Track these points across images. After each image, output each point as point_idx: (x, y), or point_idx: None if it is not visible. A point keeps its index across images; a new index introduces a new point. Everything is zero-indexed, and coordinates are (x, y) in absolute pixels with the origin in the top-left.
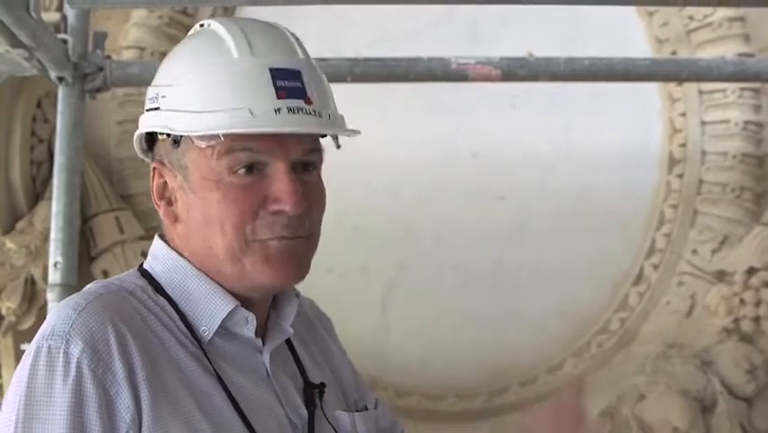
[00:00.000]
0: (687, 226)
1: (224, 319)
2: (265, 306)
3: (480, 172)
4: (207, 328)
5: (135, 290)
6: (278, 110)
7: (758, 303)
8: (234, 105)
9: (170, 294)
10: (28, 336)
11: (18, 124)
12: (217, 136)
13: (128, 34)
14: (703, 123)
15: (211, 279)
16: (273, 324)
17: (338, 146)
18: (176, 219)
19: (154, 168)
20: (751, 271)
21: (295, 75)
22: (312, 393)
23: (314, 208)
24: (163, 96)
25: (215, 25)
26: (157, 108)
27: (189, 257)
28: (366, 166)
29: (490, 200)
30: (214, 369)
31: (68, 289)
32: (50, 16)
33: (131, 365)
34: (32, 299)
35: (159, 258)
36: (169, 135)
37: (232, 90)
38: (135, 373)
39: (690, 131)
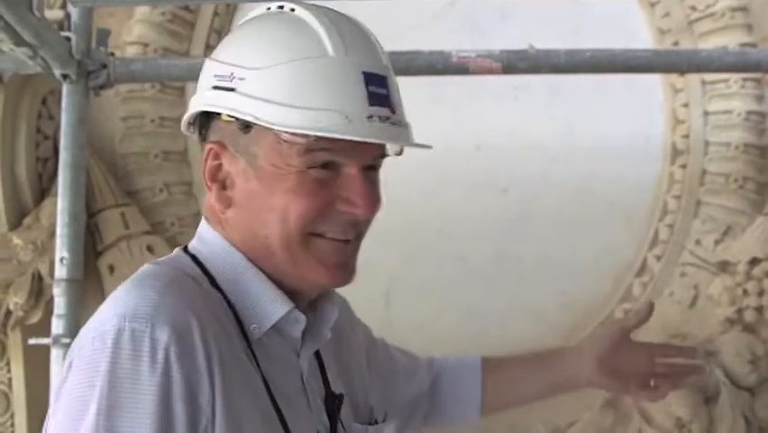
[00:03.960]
0: (690, 217)
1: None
2: (305, 304)
3: (482, 165)
4: (258, 327)
5: (196, 277)
6: (370, 117)
7: (761, 293)
8: (329, 105)
9: (223, 286)
10: (35, 331)
11: (23, 121)
12: (304, 135)
13: (131, 31)
14: (706, 113)
15: (263, 272)
16: (312, 326)
17: (400, 154)
18: (229, 204)
19: (210, 149)
20: (754, 262)
21: (382, 81)
22: (334, 404)
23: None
24: (242, 79)
25: (303, 12)
26: (231, 89)
27: (238, 243)
28: None
29: (493, 193)
30: (260, 368)
31: (75, 284)
32: (54, 14)
33: (209, 356)
34: (39, 294)
35: (209, 244)
36: (236, 120)
37: (327, 89)
38: (213, 364)
39: (692, 121)
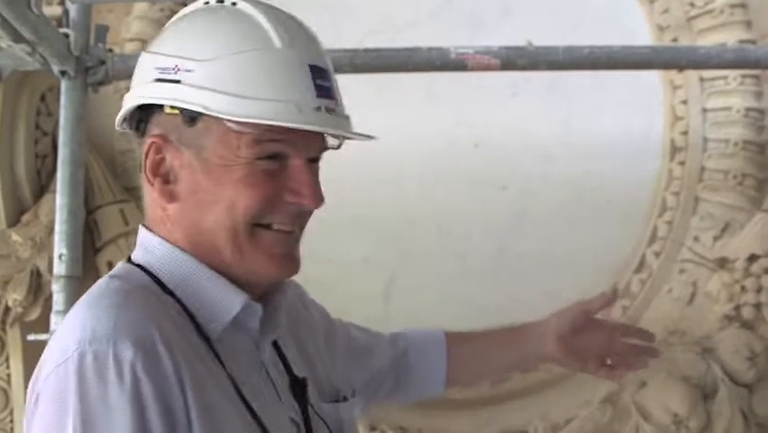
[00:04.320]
0: (689, 214)
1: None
2: (257, 296)
3: (481, 162)
4: (217, 324)
5: (148, 286)
6: (318, 108)
7: (759, 290)
8: (279, 96)
9: (175, 291)
10: (34, 327)
11: (22, 118)
12: (255, 125)
13: (130, 27)
14: (704, 110)
15: (212, 269)
16: (266, 316)
17: (338, 147)
18: (173, 198)
19: (152, 143)
20: (752, 259)
21: (326, 74)
22: (302, 389)
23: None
24: (188, 70)
25: (245, 6)
26: (176, 81)
27: (182, 241)
28: (367, 157)
29: (492, 190)
30: (224, 366)
31: (74, 280)
32: (52, 10)
33: (176, 363)
34: (38, 290)
35: (153, 251)
36: (181, 111)
37: (276, 80)
38: (180, 371)
39: (691, 118)
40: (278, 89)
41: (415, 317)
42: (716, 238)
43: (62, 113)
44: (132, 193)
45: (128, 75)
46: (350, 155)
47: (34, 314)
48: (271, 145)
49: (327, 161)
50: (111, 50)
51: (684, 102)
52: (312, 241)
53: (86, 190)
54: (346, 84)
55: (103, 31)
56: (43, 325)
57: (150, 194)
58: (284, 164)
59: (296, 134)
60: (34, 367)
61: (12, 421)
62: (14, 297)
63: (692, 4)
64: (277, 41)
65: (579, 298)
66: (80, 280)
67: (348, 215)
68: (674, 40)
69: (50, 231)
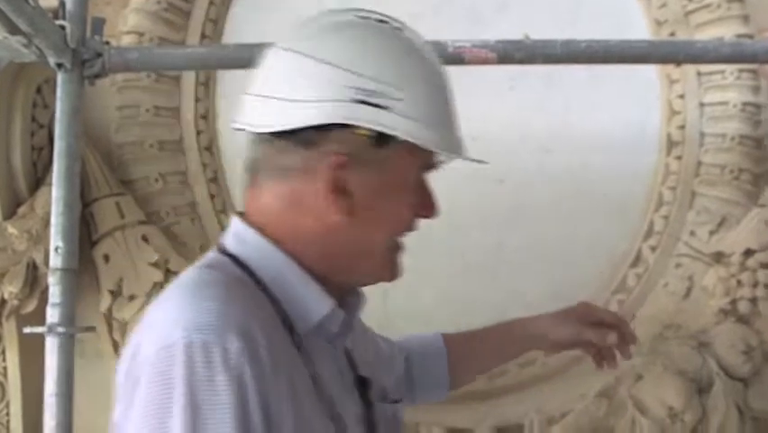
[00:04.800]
0: (685, 208)
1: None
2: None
3: (479, 155)
4: (303, 324)
5: (242, 280)
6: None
7: (755, 284)
8: (455, 127)
9: (268, 286)
10: (30, 320)
11: (18, 110)
12: (431, 152)
13: (127, 20)
14: (701, 104)
15: (304, 271)
16: (343, 320)
17: None
18: (344, 213)
19: (338, 159)
20: (748, 253)
21: None
22: (367, 388)
23: None
24: (397, 99)
25: (414, 36)
26: (383, 107)
27: (297, 248)
28: None
29: (490, 184)
30: (308, 362)
31: (70, 273)
32: (48, 2)
33: (273, 358)
34: (34, 283)
35: (249, 244)
36: (371, 133)
37: (451, 112)
38: (278, 366)
39: (688, 112)
40: (453, 120)
41: (414, 315)
42: (712, 233)
43: (58, 105)
44: (129, 186)
45: (125, 68)
46: None
47: (30, 307)
48: (428, 169)
49: None
50: (108, 43)
51: (681, 96)
52: None
53: (82, 183)
54: None
55: (99, 23)
56: (39, 317)
57: (304, 200)
58: (420, 182)
59: (436, 158)
60: (30, 360)
61: (8, 414)
62: (10, 289)
63: None
64: (441, 76)
65: (576, 292)
66: (76, 272)
67: None
68: (672, 34)
69: (46, 223)
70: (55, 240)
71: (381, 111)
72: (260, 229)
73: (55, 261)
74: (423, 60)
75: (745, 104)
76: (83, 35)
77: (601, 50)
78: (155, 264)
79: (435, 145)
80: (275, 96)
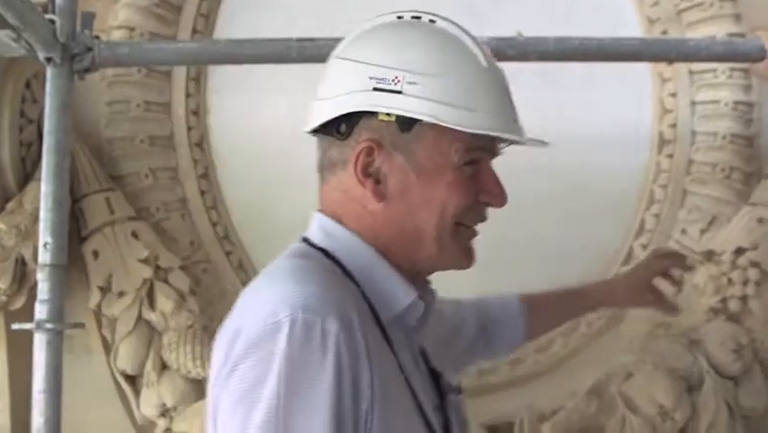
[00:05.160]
0: (676, 206)
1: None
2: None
3: None
4: (387, 314)
5: (334, 270)
6: (515, 121)
7: (745, 283)
8: (496, 110)
9: (356, 278)
10: (19, 316)
11: (7, 104)
12: (467, 134)
13: (117, 15)
14: (693, 103)
15: (390, 263)
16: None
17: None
18: (382, 198)
19: (366, 146)
20: (739, 251)
21: (510, 90)
22: (440, 380)
23: None
24: (411, 83)
25: (446, 25)
26: (397, 92)
27: (370, 237)
28: None
29: None
30: (393, 350)
31: (59, 269)
32: None
33: (367, 344)
34: (23, 279)
35: (338, 238)
36: (397, 119)
37: (492, 96)
38: (370, 352)
39: (680, 111)
40: (495, 104)
41: None
42: (703, 231)
43: (48, 100)
44: (119, 182)
45: (115, 62)
46: None
47: (19, 303)
48: (476, 152)
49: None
50: (98, 38)
51: (673, 95)
52: None
53: (71, 179)
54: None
55: (89, 18)
56: (28, 314)
57: (350, 190)
58: (477, 168)
59: (493, 142)
60: (19, 356)
61: None
62: None
63: None
64: (483, 61)
65: None
66: (65, 268)
67: None
68: (664, 32)
69: (35, 219)
70: (44, 236)
71: (395, 95)
72: (339, 223)
73: (44, 257)
74: (449, 45)
75: (736, 102)
76: (73, 30)
77: (594, 48)
78: (144, 260)
79: (460, 124)
80: (318, 97)
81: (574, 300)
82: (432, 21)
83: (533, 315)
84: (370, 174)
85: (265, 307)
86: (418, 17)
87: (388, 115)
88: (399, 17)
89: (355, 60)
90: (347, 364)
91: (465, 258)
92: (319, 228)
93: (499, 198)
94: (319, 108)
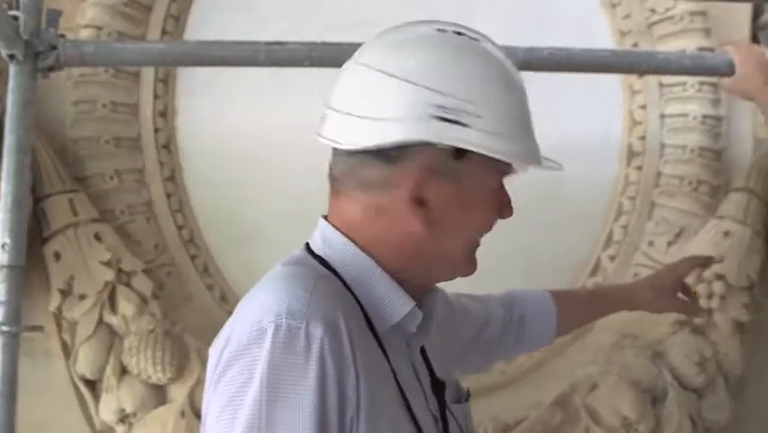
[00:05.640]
0: (644, 218)
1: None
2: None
3: None
4: (384, 323)
5: (329, 277)
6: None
7: (711, 296)
8: (531, 137)
9: (351, 286)
10: None
11: None
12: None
13: (85, 13)
14: (663, 116)
15: (386, 273)
16: (421, 321)
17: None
18: (427, 225)
19: (423, 175)
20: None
21: None
22: (442, 389)
23: None
24: (478, 117)
25: (493, 48)
26: (464, 125)
27: (385, 256)
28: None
29: None
30: (388, 360)
31: (17, 270)
32: None
33: (354, 349)
34: None
35: (338, 248)
36: (454, 148)
37: (528, 123)
38: (357, 359)
39: (649, 123)
40: (530, 130)
41: None
42: (670, 243)
43: (9, 98)
44: (83, 183)
45: (80, 61)
46: (318, 150)
47: None
48: (504, 175)
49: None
50: (63, 36)
51: (643, 107)
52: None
53: (34, 179)
54: (306, 78)
55: (55, 15)
56: None
57: (389, 213)
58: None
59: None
60: None
61: None
62: None
63: (653, 11)
64: (520, 87)
65: None
66: (24, 270)
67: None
68: (635, 45)
69: None
70: (2, 236)
71: (460, 127)
72: (346, 234)
73: (2, 257)
74: (501, 72)
75: (705, 116)
76: (37, 27)
77: (564, 59)
78: (107, 263)
79: (514, 158)
80: (359, 114)
81: (600, 301)
82: (475, 39)
83: (563, 312)
84: (420, 202)
85: (253, 313)
86: (461, 33)
87: (449, 146)
88: (440, 30)
89: (410, 82)
90: (331, 370)
91: (472, 267)
92: (321, 237)
93: (510, 210)
94: (364, 127)
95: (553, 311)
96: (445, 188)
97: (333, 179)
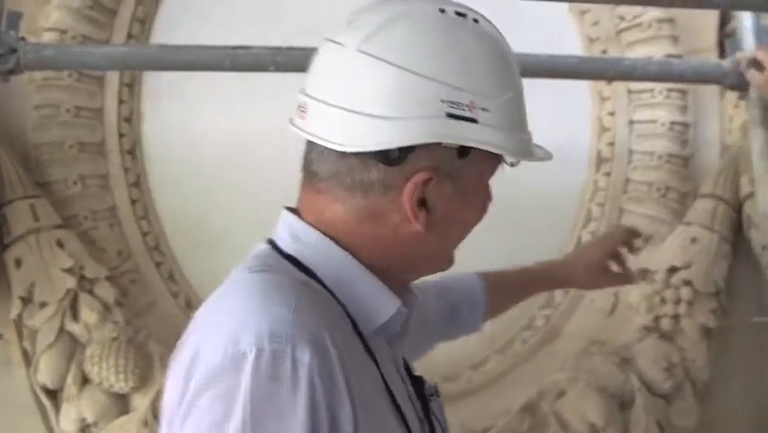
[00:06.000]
0: (613, 225)
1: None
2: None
3: None
4: (370, 325)
5: (308, 283)
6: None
7: (678, 301)
8: (527, 129)
9: (332, 288)
10: None
11: None
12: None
13: (49, 16)
14: (631, 122)
15: (369, 271)
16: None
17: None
18: (428, 227)
19: (427, 176)
20: (672, 270)
21: None
22: (422, 387)
23: None
24: (485, 110)
25: (493, 30)
26: (472, 120)
27: (371, 255)
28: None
29: None
30: (377, 365)
31: None
32: None
33: (346, 371)
34: None
35: (309, 244)
36: (459, 146)
37: (525, 113)
38: (350, 379)
39: (617, 129)
40: (527, 124)
41: None
42: (638, 249)
43: None
44: (46, 188)
45: (41, 65)
46: (289, 155)
47: None
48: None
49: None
50: (23, 39)
51: (612, 113)
52: None
53: None
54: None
55: (15, 17)
56: None
57: (384, 216)
58: None
59: None
60: None
61: None
62: None
63: (622, 18)
64: (518, 79)
65: None
66: None
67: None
68: (604, 51)
69: None
70: None
71: (469, 124)
72: (324, 231)
73: None
74: (504, 60)
75: (673, 123)
76: None
77: (532, 65)
78: (69, 270)
79: (520, 154)
80: (356, 110)
81: (532, 281)
82: (476, 21)
83: (491, 295)
84: (421, 204)
85: (226, 333)
86: (462, 14)
87: (454, 145)
88: (441, 10)
89: (420, 75)
90: (323, 400)
91: (452, 262)
92: (290, 234)
93: (490, 202)
94: (364, 127)
95: (482, 297)
96: (447, 189)
97: (311, 174)
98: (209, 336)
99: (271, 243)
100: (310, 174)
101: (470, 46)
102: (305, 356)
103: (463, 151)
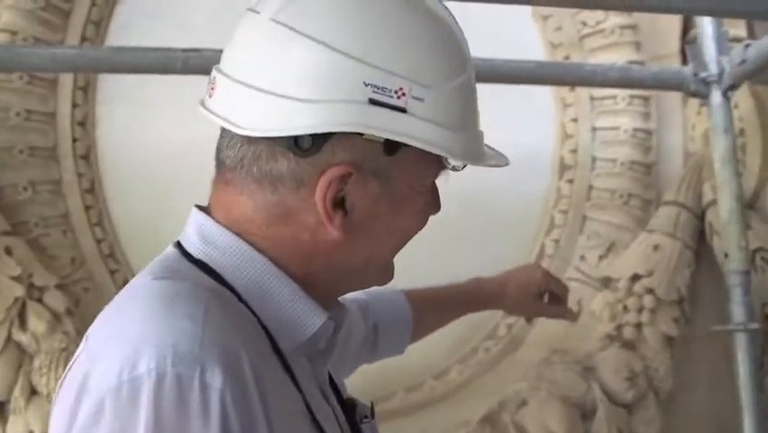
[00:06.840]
0: (576, 232)
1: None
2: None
3: None
4: (291, 341)
5: (219, 293)
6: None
7: (640, 310)
8: (476, 129)
9: (248, 300)
10: None
11: None
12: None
13: (0, 17)
14: (594, 129)
15: (291, 280)
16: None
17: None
18: (345, 230)
19: (346, 171)
20: (635, 278)
21: None
22: (352, 409)
23: None
24: (417, 99)
25: (450, 19)
26: (401, 110)
27: (292, 264)
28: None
29: None
30: (298, 386)
31: None
32: None
33: (262, 392)
34: None
35: (223, 248)
36: (387, 140)
37: (475, 110)
38: (267, 401)
39: (580, 136)
40: (476, 120)
41: None
42: (601, 257)
43: None
44: None
45: None
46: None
47: None
48: (441, 171)
49: None
50: None
51: (575, 120)
52: None
53: None
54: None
55: None
56: None
57: (296, 215)
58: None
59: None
60: None
61: None
62: None
63: (584, 23)
64: (469, 66)
65: (469, 315)
66: None
67: None
68: (566, 57)
69: None
70: None
71: (399, 114)
72: (236, 232)
73: None
74: (451, 46)
75: (635, 129)
76: None
77: (488, 70)
78: (17, 278)
79: (458, 154)
80: (265, 88)
81: (460, 300)
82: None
83: (417, 315)
84: (338, 205)
85: (121, 350)
86: None
87: (378, 138)
88: None
89: (342, 53)
90: (237, 427)
91: (390, 276)
92: (199, 235)
93: (438, 207)
94: (274, 109)
95: (407, 319)
96: (372, 189)
97: (220, 163)
98: (101, 356)
99: (178, 245)
100: (219, 163)
101: (408, 23)
102: (216, 380)
103: (392, 146)
